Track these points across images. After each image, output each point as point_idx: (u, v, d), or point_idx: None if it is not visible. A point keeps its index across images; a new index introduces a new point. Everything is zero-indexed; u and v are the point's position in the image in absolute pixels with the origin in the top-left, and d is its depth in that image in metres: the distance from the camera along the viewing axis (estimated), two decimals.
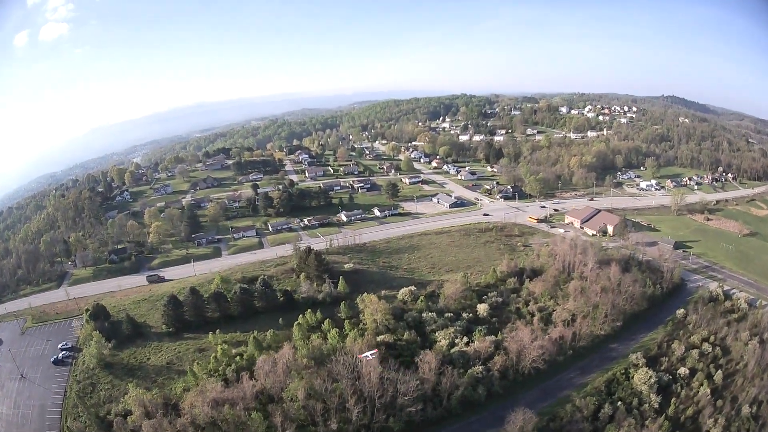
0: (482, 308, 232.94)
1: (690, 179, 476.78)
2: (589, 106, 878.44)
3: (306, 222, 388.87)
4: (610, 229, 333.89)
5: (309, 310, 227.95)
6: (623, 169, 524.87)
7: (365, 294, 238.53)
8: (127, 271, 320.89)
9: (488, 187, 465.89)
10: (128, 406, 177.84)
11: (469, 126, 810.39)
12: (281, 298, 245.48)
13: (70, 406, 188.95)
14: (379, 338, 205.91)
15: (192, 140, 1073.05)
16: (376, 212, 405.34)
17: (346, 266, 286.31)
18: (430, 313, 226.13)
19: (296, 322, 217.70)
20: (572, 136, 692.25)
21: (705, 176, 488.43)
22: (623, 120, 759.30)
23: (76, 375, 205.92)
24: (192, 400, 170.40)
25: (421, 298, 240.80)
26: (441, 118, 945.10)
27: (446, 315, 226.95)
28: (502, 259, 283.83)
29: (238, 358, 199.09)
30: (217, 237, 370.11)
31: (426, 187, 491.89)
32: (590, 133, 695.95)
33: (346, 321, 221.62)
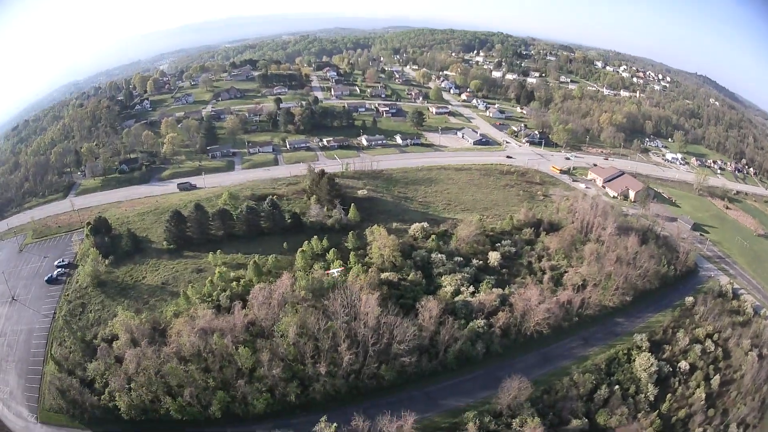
0: (494, 257, 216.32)
1: (714, 162, 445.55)
2: (624, 66, 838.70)
3: (325, 142, 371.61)
4: (631, 194, 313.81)
5: (315, 237, 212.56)
6: (651, 135, 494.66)
7: (375, 225, 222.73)
8: (137, 181, 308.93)
9: (516, 129, 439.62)
10: (115, 331, 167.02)
11: (503, 63, 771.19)
12: (289, 220, 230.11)
13: (57, 329, 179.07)
14: (383, 275, 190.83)
15: (221, 50, 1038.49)
16: (398, 140, 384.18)
17: (359, 192, 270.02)
18: (439, 255, 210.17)
19: (300, 249, 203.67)
20: (605, 91, 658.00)
21: (729, 164, 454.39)
22: (656, 87, 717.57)
23: (67, 295, 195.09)
24: (180, 326, 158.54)
25: (433, 236, 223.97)
26: (475, 52, 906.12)
27: (456, 259, 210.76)
28: (520, 207, 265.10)
29: (234, 283, 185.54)
30: (233, 151, 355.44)
31: (452, 120, 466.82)
32: (623, 93, 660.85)
33: (352, 252, 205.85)
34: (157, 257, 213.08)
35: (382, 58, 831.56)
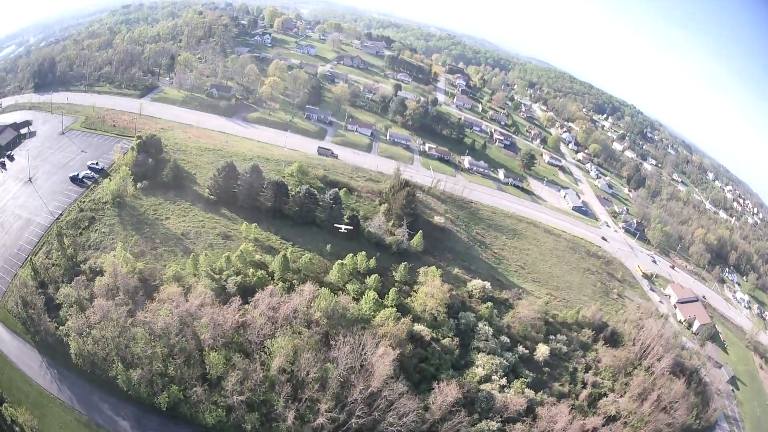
0: (542, 350, 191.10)
1: None
2: (730, 187, 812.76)
3: (426, 148, 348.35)
4: (696, 325, 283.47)
5: (364, 253, 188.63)
6: (731, 267, 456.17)
7: (432, 267, 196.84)
8: (220, 111, 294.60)
9: (617, 210, 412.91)
10: (105, 268, 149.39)
11: (627, 138, 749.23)
12: (346, 221, 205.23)
13: (53, 234, 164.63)
14: (416, 327, 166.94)
15: (365, 17, 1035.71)
16: (501, 175, 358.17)
17: (436, 218, 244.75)
18: (487, 327, 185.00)
19: (340, 261, 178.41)
20: (707, 205, 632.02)
21: None
22: (750, 219, 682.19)
23: (82, 202, 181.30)
24: (170, 294, 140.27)
25: (489, 304, 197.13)
26: (604, 116, 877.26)
27: (502, 338, 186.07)
28: (591, 302, 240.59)
29: (251, 270, 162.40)
30: (330, 119, 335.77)
31: (561, 175, 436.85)
32: (721, 213, 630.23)
33: (394, 287, 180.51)
34: (191, 202, 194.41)
35: (515, 86, 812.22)
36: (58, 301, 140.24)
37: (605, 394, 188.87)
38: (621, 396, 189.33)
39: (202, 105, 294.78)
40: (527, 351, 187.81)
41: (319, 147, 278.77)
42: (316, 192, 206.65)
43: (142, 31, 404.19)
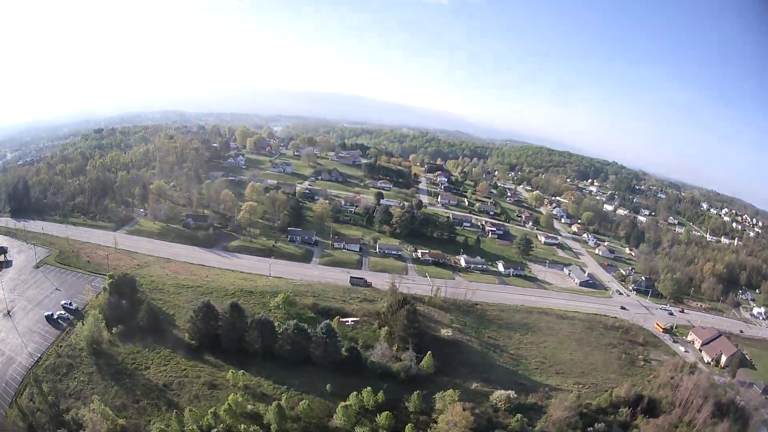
0: None
1: None
2: (726, 210, 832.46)
3: (419, 254, 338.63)
4: (723, 359, 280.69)
5: (370, 388, 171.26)
6: (743, 287, 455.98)
7: (450, 391, 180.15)
8: (199, 242, 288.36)
9: (624, 273, 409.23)
10: (85, 422, 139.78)
11: (616, 197, 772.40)
12: (345, 354, 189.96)
13: (33, 379, 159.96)
14: None
15: (338, 128, 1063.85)
16: (500, 267, 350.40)
17: (443, 332, 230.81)
18: None
19: (343, 404, 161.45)
20: (708, 237, 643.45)
21: None
22: (751, 233, 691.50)
23: (59, 347, 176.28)
24: None
25: (519, 416, 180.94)
26: (590, 181, 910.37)
27: None
28: (621, 378, 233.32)
29: (243, 427, 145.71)
30: (315, 239, 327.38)
31: (560, 253, 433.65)
32: (723, 239, 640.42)
33: (410, 422, 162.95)
34: (172, 348, 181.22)
35: (496, 172, 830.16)
36: None
37: None
38: None
39: (180, 236, 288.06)
40: None
41: (351, 277, 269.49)
42: (306, 326, 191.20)
43: (115, 156, 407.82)
